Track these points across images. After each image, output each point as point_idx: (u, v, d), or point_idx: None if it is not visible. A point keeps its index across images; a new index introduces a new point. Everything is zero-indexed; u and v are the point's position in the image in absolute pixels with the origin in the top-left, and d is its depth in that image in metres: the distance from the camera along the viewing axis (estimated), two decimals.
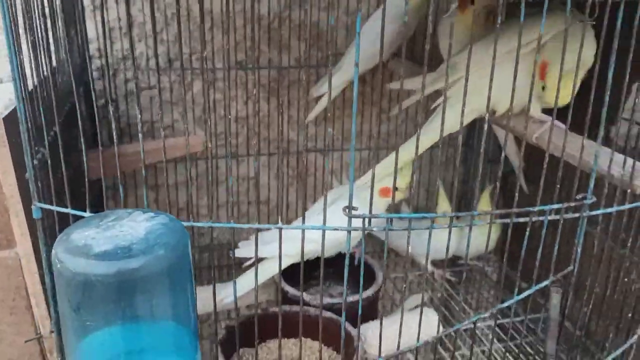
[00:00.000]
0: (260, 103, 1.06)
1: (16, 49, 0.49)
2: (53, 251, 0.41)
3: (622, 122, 0.75)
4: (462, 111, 0.50)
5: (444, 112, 0.50)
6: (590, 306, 0.67)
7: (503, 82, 0.52)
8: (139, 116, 0.53)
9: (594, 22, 0.50)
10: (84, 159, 0.52)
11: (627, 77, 0.52)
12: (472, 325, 0.61)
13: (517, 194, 0.62)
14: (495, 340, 0.91)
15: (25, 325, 0.61)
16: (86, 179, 0.52)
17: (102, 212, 0.45)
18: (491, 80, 0.49)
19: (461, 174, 1.20)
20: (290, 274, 0.82)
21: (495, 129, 0.97)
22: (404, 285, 0.58)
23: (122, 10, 0.95)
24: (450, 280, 1.11)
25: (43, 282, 0.60)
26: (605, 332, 0.72)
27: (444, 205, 0.99)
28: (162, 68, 1.00)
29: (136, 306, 0.42)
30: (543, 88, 0.62)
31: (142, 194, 1.06)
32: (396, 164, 0.51)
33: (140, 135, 0.49)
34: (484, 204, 1.02)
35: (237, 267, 0.87)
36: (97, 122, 0.86)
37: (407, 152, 0.73)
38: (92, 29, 0.94)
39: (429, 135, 0.71)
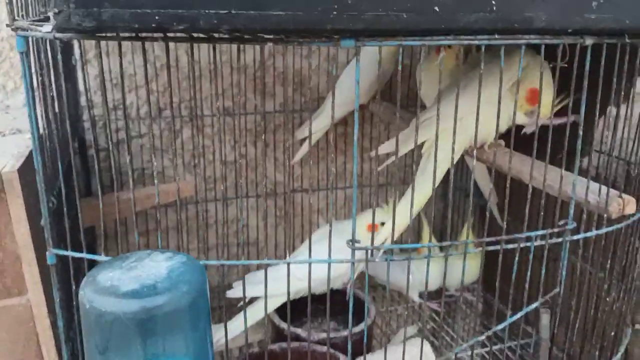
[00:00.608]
0: (247, 147, 1.10)
1: (34, 107, 0.52)
2: (81, 292, 0.43)
3: (594, 153, 0.81)
4: (453, 149, 0.54)
5: (435, 153, 0.54)
6: (576, 328, 0.71)
7: (483, 119, 0.57)
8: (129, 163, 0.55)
9: (566, 65, 0.55)
10: (100, 205, 0.55)
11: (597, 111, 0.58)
12: (467, 353, 0.65)
13: (504, 224, 0.67)
14: None
15: None
16: (102, 223, 0.55)
17: (122, 255, 0.48)
18: (477, 119, 0.54)
19: (442, 208, 1.25)
20: (284, 311, 0.85)
21: (468, 163, 1.02)
22: (390, 317, 0.60)
23: (112, 63, 0.98)
24: (437, 312, 1.14)
25: (54, 329, 0.61)
26: (590, 354, 0.76)
27: (426, 239, 1.03)
28: (152, 117, 1.03)
29: (158, 342, 0.44)
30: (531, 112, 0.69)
31: (134, 240, 1.07)
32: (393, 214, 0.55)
33: (155, 180, 0.52)
34: (466, 234, 1.06)
35: (232, 307, 0.89)
36: (98, 170, 0.88)
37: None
38: (82, 82, 0.98)
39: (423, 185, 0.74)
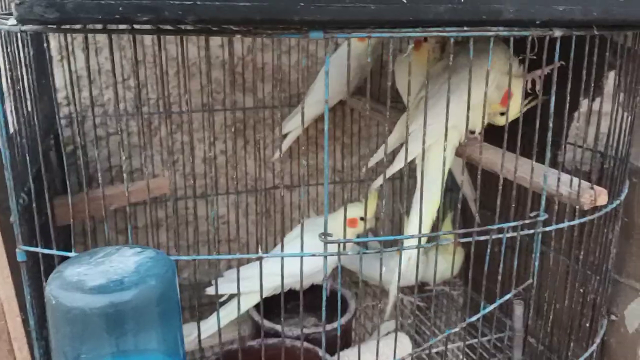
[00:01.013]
0: (226, 143, 1.09)
1: (2, 103, 0.51)
2: (47, 288, 0.43)
3: (568, 146, 0.81)
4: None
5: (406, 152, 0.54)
6: (551, 319, 0.72)
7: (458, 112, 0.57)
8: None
9: (535, 57, 0.55)
10: (70, 203, 0.54)
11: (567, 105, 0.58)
12: (443, 346, 0.65)
13: (477, 217, 0.67)
14: None
15: None
16: (72, 220, 0.54)
17: (91, 250, 0.47)
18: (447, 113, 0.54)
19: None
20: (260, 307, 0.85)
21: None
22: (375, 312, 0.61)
23: (90, 59, 0.97)
24: (419, 306, 1.15)
25: (25, 326, 0.60)
26: (567, 344, 0.77)
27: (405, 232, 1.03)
28: (129, 113, 1.03)
29: (127, 338, 0.44)
30: (502, 114, 0.69)
31: (112, 237, 1.07)
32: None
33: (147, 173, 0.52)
34: (447, 228, 1.06)
35: (210, 305, 0.89)
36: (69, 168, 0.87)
37: None
38: (59, 77, 0.97)
39: None
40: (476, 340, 0.97)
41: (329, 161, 1.17)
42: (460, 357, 0.94)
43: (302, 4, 0.43)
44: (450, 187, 1.16)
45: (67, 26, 0.44)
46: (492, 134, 0.72)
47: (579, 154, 0.79)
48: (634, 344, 0.78)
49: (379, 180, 0.88)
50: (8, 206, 0.56)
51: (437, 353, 0.99)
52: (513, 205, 0.58)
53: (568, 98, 0.59)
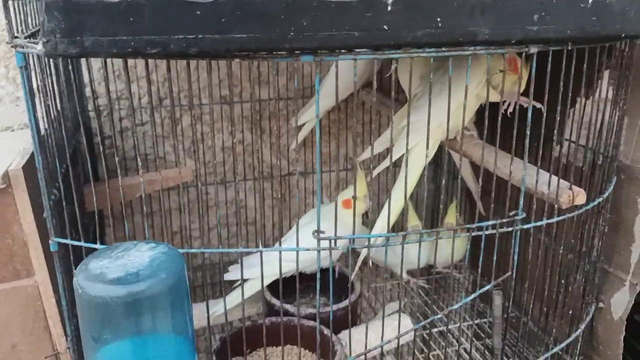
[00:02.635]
0: (244, 133, 1.16)
1: (35, 114, 0.59)
2: (74, 279, 0.50)
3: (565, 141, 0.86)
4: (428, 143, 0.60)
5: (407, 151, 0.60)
6: (544, 303, 0.77)
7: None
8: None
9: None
10: (93, 198, 0.61)
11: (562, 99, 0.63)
12: (444, 327, 0.71)
13: (482, 212, 0.72)
14: (464, 341, 1.01)
15: (44, 343, 0.70)
16: (96, 214, 0.62)
17: (112, 245, 0.54)
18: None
19: (430, 190, 1.31)
20: (276, 288, 0.92)
21: (452, 155, 1.07)
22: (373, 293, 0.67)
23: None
24: (424, 288, 1.21)
25: (59, 306, 0.69)
26: (559, 327, 0.83)
27: (413, 220, 1.09)
28: (154, 106, 1.10)
29: (143, 322, 0.52)
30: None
31: (138, 221, 1.15)
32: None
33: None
34: (451, 215, 1.11)
35: (228, 284, 0.96)
36: (103, 157, 0.95)
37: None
38: (87, 73, 1.04)
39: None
40: (477, 320, 1.03)
41: (342, 150, 1.23)
42: (461, 338, 1.01)
43: (292, 34, 0.49)
44: (456, 175, 1.21)
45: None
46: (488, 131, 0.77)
47: (573, 150, 0.83)
48: (619, 331, 0.83)
49: (365, 154, 0.94)
50: (42, 201, 0.64)
51: (439, 334, 1.05)
52: (492, 205, 0.63)
53: (560, 97, 0.63)
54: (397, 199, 0.78)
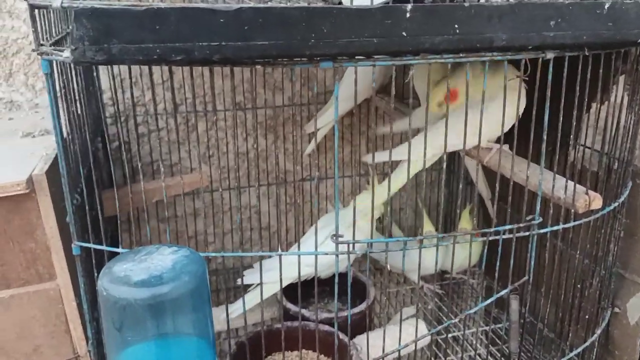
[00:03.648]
0: (259, 139, 1.17)
1: (59, 120, 0.60)
2: (99, 282, 0.51)
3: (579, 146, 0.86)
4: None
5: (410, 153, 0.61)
6: (560, 308, 0.77)
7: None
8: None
9: (527, 78, 0.61)
10: (116, 202, 0.63)
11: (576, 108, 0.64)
12: (459, 332, 0.71)
13: (494, 218, 0.73)
14: (478, 346, 1.01)
15: (65, 346, 0.71)
16: (118, 220, 0.63)
17: (135, 248, 0.56)
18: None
19: (444, 194, 1.31)
20: (291, 293, 0.92)
21: (466, 162, 1.07)
22: (386, 299, 0.67)
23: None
24: (439, 293, 1.21)
25: (80, 309, 0.70)
26: (575, 332, 0.83)
27: (427, 226, 1.09)
28: (169, 112, 1.11)
29: (166, 324, 0.53)
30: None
31: (154, 226, 1.16)
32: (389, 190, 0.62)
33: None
34: (465, 220, 1.12)
35: (244, 289, 0.97)
36: (125, 163, 0.96)
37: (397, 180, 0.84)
38: (105, 80, 1.06)
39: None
40: (492, 326, 1.03)
41: (355, 155, 1.24)
42: (475, 343, 1.01)
43: (312, 41, 0.50)
44: (470, 180, 1.22)
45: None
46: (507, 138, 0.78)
47: (591, 155, 0.83)
48: (635, 335, 0.83)
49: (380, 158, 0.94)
50: (64, 206, 0.65)
51: (454, 339, 1.05)
52: (509, 210, 0.64)
53: (575, 104, 0.64)
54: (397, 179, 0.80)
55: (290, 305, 0.96)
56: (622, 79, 0.84)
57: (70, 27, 0.46)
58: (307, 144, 1.20)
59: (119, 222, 0.71)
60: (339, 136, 1.22)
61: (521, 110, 0.69)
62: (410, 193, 1.28)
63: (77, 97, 0.72)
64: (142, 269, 0.52)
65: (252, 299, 0.88)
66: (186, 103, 1.11)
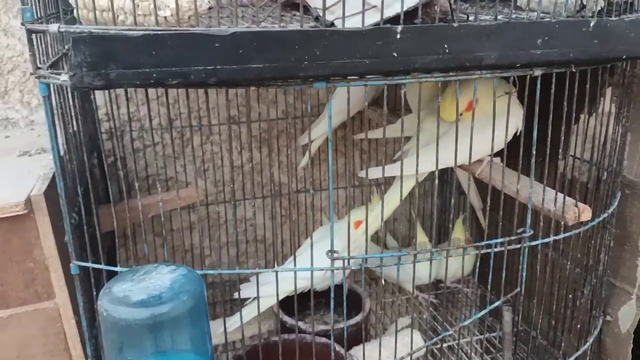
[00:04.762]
0: (253, 152, 1.18)
1: (56, 137, 0.61)
2: (99, 302, 0.52)
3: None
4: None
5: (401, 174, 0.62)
6: (552, 317, 0.78)
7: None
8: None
9: (515, 93, 0.62)
10: (114, 219, 0.63)
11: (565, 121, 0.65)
12: (454, 342, 0.72)
13: (485, 229, 0.74)
14: (473, 355, 1.02)
15: None
16: (116, 238, 0.63)
17: (133, 268, 0.56)
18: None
19: (437, 204, 1.32)
20: (286, 306, 0.93)
21: (457, 173, 1.09)
22: (382, 310, 0.68)
23: None
24: (434, 303, 1.22)
25: (79, 327, 0.70)
26: (568, 341, 0.84)
27: (421, 236, 1.10)
28: (163, 127, 1.12)
29: (165, 341, 0.53)
30: None
31: (150, 240, 1.17)
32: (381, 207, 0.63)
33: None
34: (458, 230, 1.13)
35: (241, 303, 0.98)
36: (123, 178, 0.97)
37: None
38: (100, 97, 1.06)
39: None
40: (486, 335, 1.04)
41: (349, 167, 1.25)
42: (469, 352, 1.02)
43: (306, 62, 0.51)
44: (462, 190, 1.23)
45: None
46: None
47: (581, 165, 0.85)
48: (627, 343, 0.84)
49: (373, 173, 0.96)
50: (62, 225, 0.66)
51: (449, 348, 1.06)
52: (500, 223, 0.65)
53: (564, 118, 0.65)
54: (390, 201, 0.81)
55: (286, 318, 0.97)
56: (609, 90, 0.86)
57: (69, 53, 0.47)
58: (301, 156, 1.21)
59: (116, 239, 0.72)
60: (332, 148, 1.23)
61: (519, 126, 0.70)
62: (403, 203, 1.29)
63: (73, 116, 0.73)
64: (141, 289, 0.53)
65: (249, 312, 0.89)
66: (181, 118, 1.12)
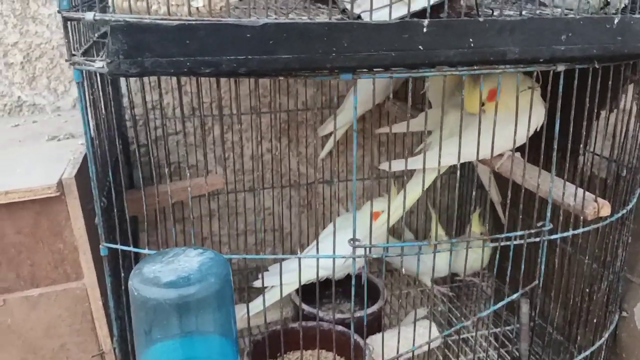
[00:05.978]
0: (273, 142, 1.20)
1: (89, 122, 0.63)
2: (130, 282, 0.54)
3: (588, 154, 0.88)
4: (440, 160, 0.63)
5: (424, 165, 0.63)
6: (568, 311, 0.79)
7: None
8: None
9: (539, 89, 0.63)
10: (144, 204, 0.65)
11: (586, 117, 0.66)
12: (469, 334, 0.73)
13: (505, 223, 0.75)
14: (488, 348, 1.03)
15: (90, 344, 0.74)
16: (145, 219, 0.65)
17: (163, 250, 0.58)
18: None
19: (453, 198, 1.33)
20: (305, 293, 0.95)
21: (478, 167, 1.10)
22: (401, 301, 0.70)
23: None
24: (449, 295, 1.23)
25: (106, 308, 0.73)
26: (583, 335, 0.85)
27: (438, 229, 1.11)
28: (186, 116, 1.14)
29: (191, 322, 0.55)
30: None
31: (170, 227, 1.19)
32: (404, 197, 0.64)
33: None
34: (475, 224, 1.14)
35: (255, 290, 1.00)
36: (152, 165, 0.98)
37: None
38: (124, 85, 1.09)
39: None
40: (502, 329, 1.05)
41: (367, 159, 1.27)
42: (484, 345, 1.03)
43: (333, 54, 0.53)
44: (480, 184, 1.24)
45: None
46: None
47: (602, 162, 0.85)
48: None
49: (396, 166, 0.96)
50: (91, 208, 0.68)
51: (463, 341, 1.07)
52: (521, 216, 0.66)
53: (585, 113, 0.66)
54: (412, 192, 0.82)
55: (304, 306, 0.98)
56: (631, 87, 0.86)
57: (106, 40, 0.48)
58: (321, 147, 1.23)
59: (145, 222, 0.74)
60: (351, 140, 1.25)
61: (541, 122, 0.71)
62: (421, 196, 1.31)
63: (102, 102, 0.75)
64: (171, 271, 0.55)
65: (269, 298, 0.91)
66: (202, 107, 1.14)
